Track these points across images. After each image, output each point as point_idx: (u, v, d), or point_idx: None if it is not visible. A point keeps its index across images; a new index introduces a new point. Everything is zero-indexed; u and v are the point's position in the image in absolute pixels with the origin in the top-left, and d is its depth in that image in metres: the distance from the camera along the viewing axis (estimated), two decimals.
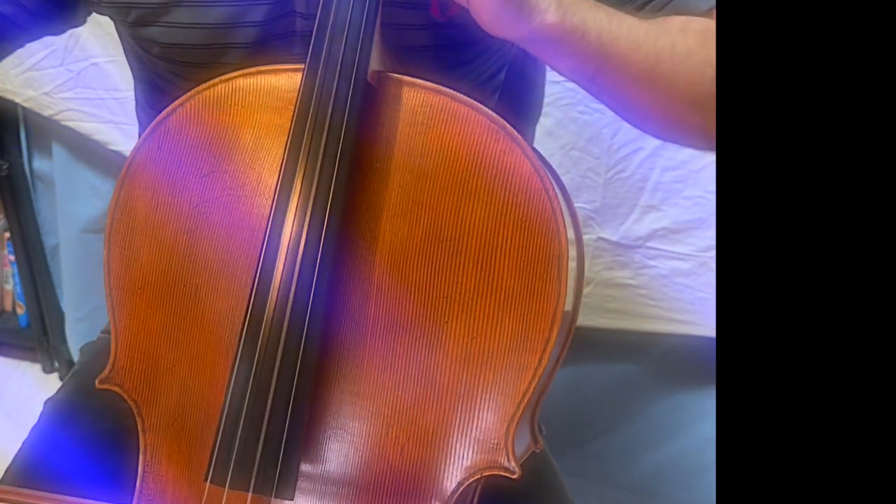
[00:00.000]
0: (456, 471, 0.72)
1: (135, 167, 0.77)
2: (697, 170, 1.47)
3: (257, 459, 0.70)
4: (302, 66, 0.73)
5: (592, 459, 1.69)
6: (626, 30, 0.74)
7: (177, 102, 0.76)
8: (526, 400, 0.70)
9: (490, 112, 0.72)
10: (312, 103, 0.71)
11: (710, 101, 0.73)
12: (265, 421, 0.70)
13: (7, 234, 1.92)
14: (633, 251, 1.54)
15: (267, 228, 0.71)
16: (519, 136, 0.71)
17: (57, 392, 1.01)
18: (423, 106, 0.72)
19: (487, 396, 0.71)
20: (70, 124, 1.67)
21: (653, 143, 1.46)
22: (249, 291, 0.71)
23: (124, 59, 0.99)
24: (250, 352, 0.70)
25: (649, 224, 1.52)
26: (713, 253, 1.49)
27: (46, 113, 1.66)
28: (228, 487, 0.70)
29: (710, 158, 1.44)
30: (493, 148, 0.71)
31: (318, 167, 0.70)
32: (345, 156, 0.71)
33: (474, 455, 0.72)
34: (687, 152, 1.45)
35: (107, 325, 1.01)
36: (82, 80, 1.62)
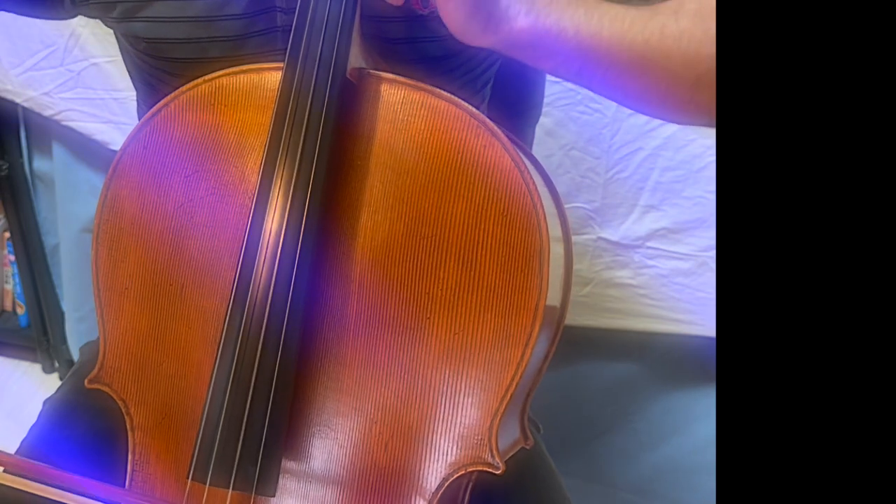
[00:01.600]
0: (440, 467, 0.72)
1: (121, 168, 0.78)
2: (697, 170, 1.46)
3: (237, 456, 0.70)
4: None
5: (592, 459, 1.68)
6: (608, 22, 0.73)
7: (161, 103, 0.77)
8: (509, 395, 0.70)
9: (470, 107, 0.72)
10: (291, 100, 0.71)
11: (712, 78, 0.72)
12: (245, 418, 0.70)
13: (7, 234, 1.92)
14: (633, 251, 1.54)
15: (247, 227, 0.71)
16: (499, 131, 0.71)
17: (56, 392, 1.01)
18: (403, 102, 0.72)
19: (470, 392, 0.71)
20: (70, 124, 1.66)
21: (653, 143, 1.45)
22: (230, 289, 0.71)
23: None
24: (231, 349, 0.71)
25: (649, 224, 1.51)
26: (713, 253, 1.48)
27: (46, 113, 1.66)
28: (209, 484, 0.70)
29: (710, 158, 1.44)
30: (474, 143, 0.71)
31: (296, 164, 0.70)
32: (323, 152, 0.71)
33: (458, 451, 0.72)
34: (687, 152, 1.45)
35: None
36: (82, 80, 1.62)
